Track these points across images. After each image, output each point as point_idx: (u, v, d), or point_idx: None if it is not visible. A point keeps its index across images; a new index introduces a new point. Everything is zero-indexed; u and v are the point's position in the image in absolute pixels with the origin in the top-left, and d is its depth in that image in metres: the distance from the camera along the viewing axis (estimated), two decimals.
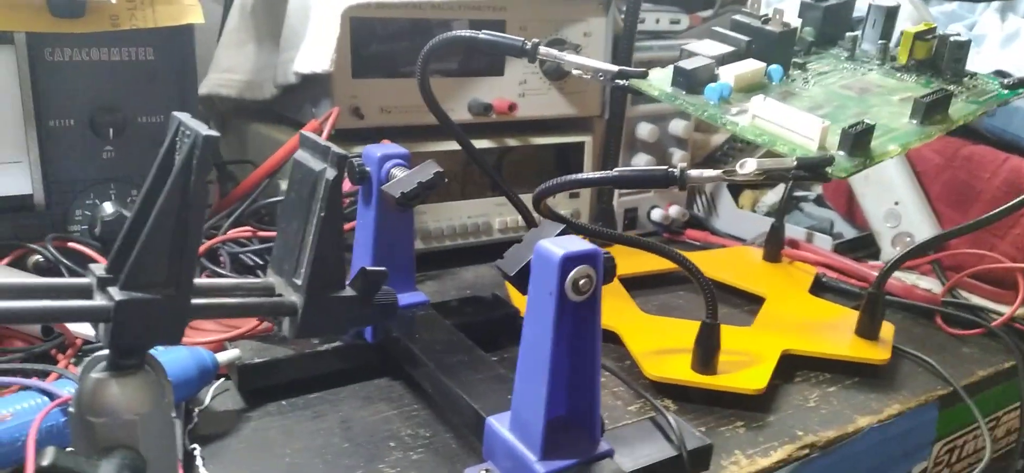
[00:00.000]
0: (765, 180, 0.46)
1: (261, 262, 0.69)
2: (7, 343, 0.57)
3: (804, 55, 0.60)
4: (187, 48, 0.69)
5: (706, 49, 0.56)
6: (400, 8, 0.74)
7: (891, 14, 0.60)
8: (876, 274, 0.67)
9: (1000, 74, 0.60)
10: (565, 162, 0.86)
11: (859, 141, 0.48)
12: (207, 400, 0.55)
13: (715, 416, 0.58)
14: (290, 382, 0.57)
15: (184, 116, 0.37)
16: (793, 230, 0.90)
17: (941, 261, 0.82)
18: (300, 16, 0.75)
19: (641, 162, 0.90)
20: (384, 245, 0.59)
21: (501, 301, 0.69)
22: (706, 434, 0.53)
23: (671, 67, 0.55)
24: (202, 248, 0.67)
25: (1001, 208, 0.59)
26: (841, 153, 0.48)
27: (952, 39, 0.58)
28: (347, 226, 0.64)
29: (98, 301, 0.36)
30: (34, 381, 0.47)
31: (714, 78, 0.54)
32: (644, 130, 0.90)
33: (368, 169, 0.58)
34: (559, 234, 0.44)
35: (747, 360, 0.61)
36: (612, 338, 0.64)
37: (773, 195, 0.95)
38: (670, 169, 0.48)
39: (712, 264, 0.78)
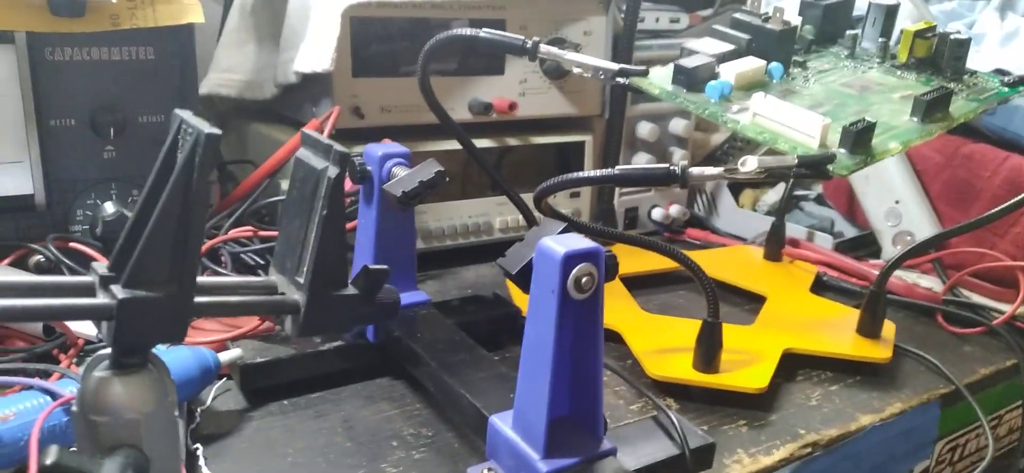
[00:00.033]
0: (766, 178, 0.46)
1: (262, 262, 0.69)
2: (9, 343, 0.57)
3: (804, 53, 0.61)
4: (187, 47, 0.69)
5: (706, 47, 0.56)
6: (400, 7, 0.74)
7: (891, 12, 0.60)
8: (877, 273, 0.67)
9: (1000, 72, 0.60)
10: (565, 161, 0.86)
11: (860, 139, 0.48)
12: (209, 400, 0.55)
13: (717, 415, 0.58)
14: (292, 382, 0.57)
15: (186, 114, 0.37)
16: (794, 229, 0.90)
17: (942, 260, 0.82)
18: (300, 16, 0.75)
19: (641, 161, 0.90)
20: (385, 244, 0.59)
21: (502, 300, 0.69)
22: (708, 433, 0.53)
23: (671, 65, 0.55)
24: (203, 248, 0.67)
25: (1002, 206, 0.59)
26: (842, 151, 0.48)
27: (952, 37, 0.58)
28: (348, 226, 0.64)
29: (101, 299, 0.36)
30: (36, 381, 0.47)
31: (715, 76, 0.54)
32: (644, 129, 0.90)
33: (369, 168, 0.58)
34: (561, 232, 0.44)
35: (749, 359, 0.61)
36: (614, 337, 0.64)
37: (774, 194, 0.95)
38: (672, 167, 0.48)
39: (713, 263, 0.78)
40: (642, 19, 0.87)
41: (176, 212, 0.36)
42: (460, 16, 0.77)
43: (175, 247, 0.36)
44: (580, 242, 0.42)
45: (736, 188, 0.97)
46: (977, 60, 0.66)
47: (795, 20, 0.59)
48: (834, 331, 0.68)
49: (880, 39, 0.60)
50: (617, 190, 0.90)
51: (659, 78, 0.55)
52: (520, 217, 0.79)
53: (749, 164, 0.46)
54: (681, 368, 0.60)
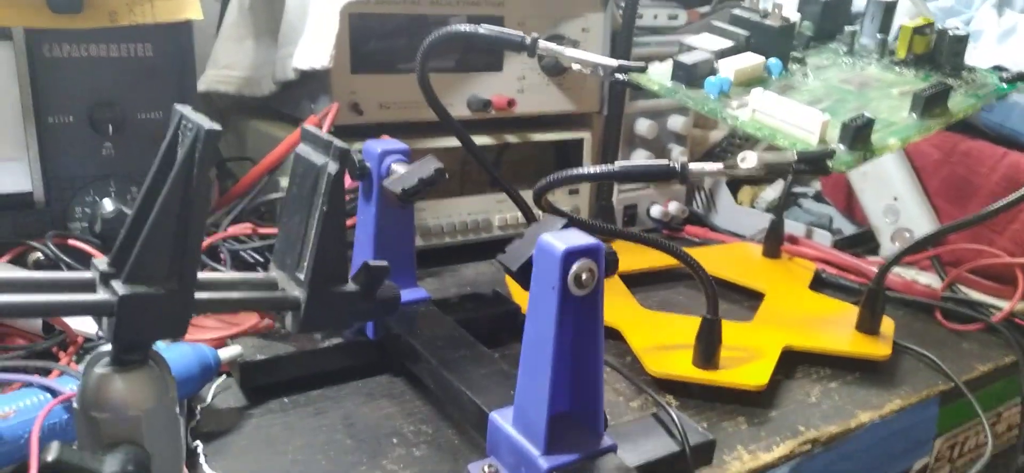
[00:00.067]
0: (766, 174, 0.46)
1: (261, 259, 0.69)
2: (8, 341, 0.57)
3: (803, 49, 0.61)
4: (186, 44, 0.68)
5: (705, 43, 0.56)
6: (399, 4, 0.74)
7: (889, 9, 0.61)
8: (875, 270, 0.67)
9: (999, 69, 0.60)
10: (564, 158, 0.86)
11: (859, 134, 0.48)
12: (209, 397, 0.54)
13: (717, 411, 0.58)
14: (292, 379, 0.57)
15: (186, 109, 0.37)
16: (792, 226, 0.90)
17: (940, 256, 0.82)
18: (298, 12, 0.75)
19: (640, 158, 0.90)
20: (385, 241, 0.59)
21: (502, 297, 0.69)
22: (708, 429, 0.53)
23: (670, 61, 0.55)
24: (202, 245, 0.67)
25: (1000, 203, 0.59)
26: (841, 146, 0.48)
27: (951, 33, 0.59)
28: (347, 222, 0.64)
29: (102, 295, 0.36)
30: (36, 378, 0.47)
31: (714, 72, 0.54)
32: (643, 126, 0.90)
33: (368, 165, 0.58)
34: (561, 228, 0.44)
35: (748, 356, 0.61)
36: (613, 335, 0.64)
37: (772, 191, 0.96)
38: (672, 163, 0.48)
39: (712, 260, 0.78)
40: (640, 16, 0.87)
41: (176, 208, 0.36)
42: (459, 12, 0.77)
43: (176, 243, 0.36)
44: (580, 238, 0.42)
45: (735, 185, 0.97)
46: (974, 56, 0.66)
47: (794, 16, 0.59)
48: (833, 328, 0.68)
49: (879, 35, 0.61)
50: (616, 187, 0.90)
51: (658, 74, 0.55)
52: (519, 214, 0.78)
53: (749, 160, 0.46)
54: (681, 365, 0.60)
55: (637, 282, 0.77)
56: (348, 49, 0.73)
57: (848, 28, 0.62)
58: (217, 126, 0.35)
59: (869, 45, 0.61)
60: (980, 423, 0.64)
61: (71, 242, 0.64)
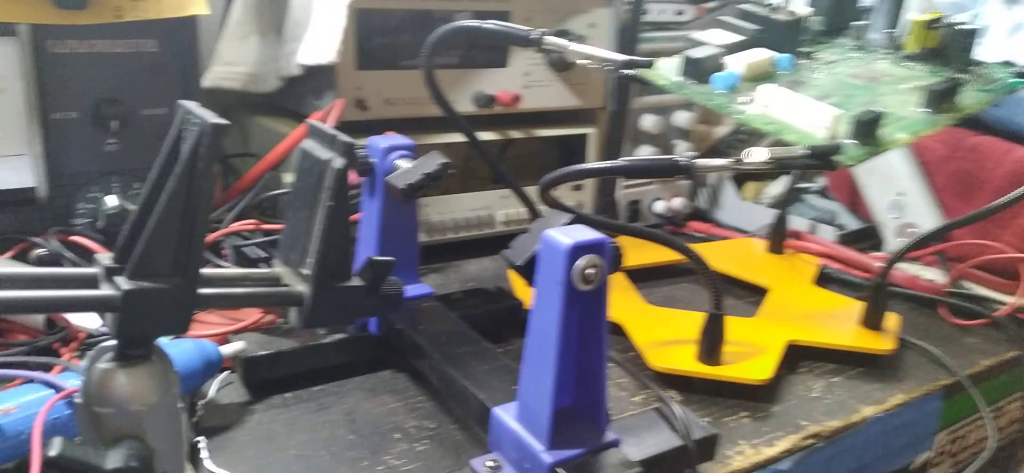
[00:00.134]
0: (774, 169, 0.46)
1: (265, 255, 0.69)
2: (10, 336, 0.57)
3: (811, 44, 0.60)
4: (191, 40, 0.68)
5: (714, 38, 0.56)
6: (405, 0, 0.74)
7: (898, 2, 0.60)
8: (880, 265, 0.67)
9: (1008, 64, 0.59)
10: (568, 154, 0.86)
11: (869, 129, 0.47)
12: (212, 393, 0.54)
13: (719, 406, 0.58)
14: (294, 374, 0.57)
15: (191, 105, 0.37)
16: (796, 221, 0.90)
17: (945, 252, 0.82)
18: (304, 7, 0.75)
19: (645, 154, 0.90)
20: (389, 237, 0.59)
21: (505, 293, 0.69)
22: (710, 424, 0.53)
23: (678, 57, 0.54)
24: (206, 240, 0.67)
25: (1004, 198, 0.59)
26: (851, 141, 0.47)
27: (961, 27, 0.58)
28: (351, 218, 0.64)
29: (106, 291, 0.36)
30: (38, 374, 0.47)
31: (722, 67, 0.54)
32: (648, 122, 0.89)
33: (373, 160, 0.58)
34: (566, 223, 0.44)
35: (752, 351, 0.61)
36: (616, 330, 0.64)
37: (776, 186, 0.95)
38: (678, 158, 0.48)
39: (715, 256, 0.78)
40: (646, 11, 0.87)
41: (181, 203, 0.36)
42: (464, 8, 0.77)
43: (180, 238, 0.36)
44: (586, 233, 0.42)
45: (739, 180, 0.97)
46: (982, 51, 0.65)
47: (802, 10, 0.59)
48: (837, 323, 0.68)
49: (888, 30, 0.60)
50: (620, 182, 0.90)
51: (666, 70, 0.55)
52: (523, 210, 0.78)
53: (756, 155, 0.45)
54: (684, 360, 0.60)
55: (641, 277, 0.77)
56: (354, 44, 0.72)
57: (857, 23, 0.61)
58: (223, 121, 0.35)
59: (878, 39, 0.61)
60: (982, 418, 0.64)
61: (74, 238, 0.64)
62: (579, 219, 0.45)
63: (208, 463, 0.47)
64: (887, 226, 0.87)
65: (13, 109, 0.63)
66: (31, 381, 0.46)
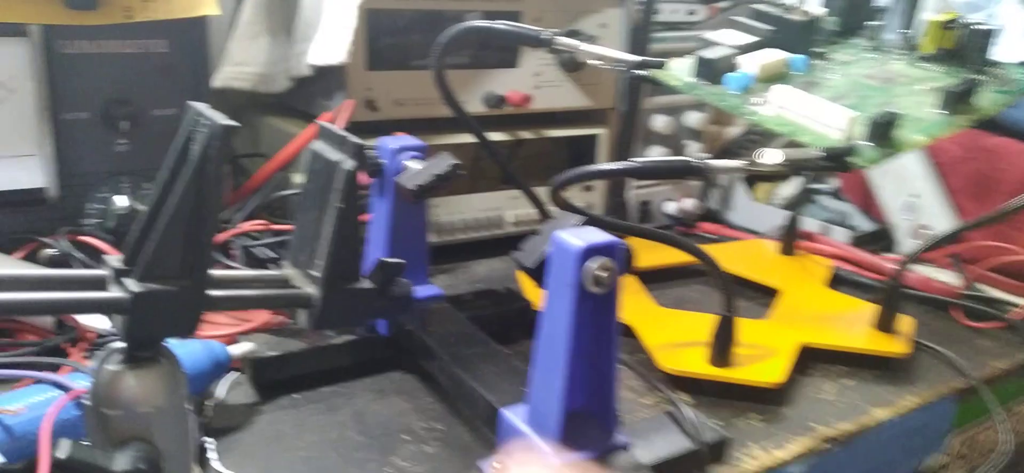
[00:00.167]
0: (789, 171, 0.45)
1: (274, 255, 0.69)
2: (20, 336, 0.57)
3: (825, 44, 0.60)
4: (201, 40, 0.68)
5: (727, 39, 0.56)
6: (415, 0, 0.74)
7: (914, 3, 0.60)
8: (893, 267, 0.67)
9: None
10: (578, 154, 0.85)
11: (885, 131, 0.47)
12: (220, 393, 0.54)
13: (730, 408, 0.57)
14: (303, 375, 0.57)
15: (201, 106, 0.37)
16: (809, 223, 0.89)
17: (960, 254, 0.81)
18: (314, 8, 0.75)
19: (656, 154, 0.90)
20: (398, 238, 0.59)
21: (515, 294, 0.68)
22: (721, 427, 0.52)
23: (691, 57, 0.54)
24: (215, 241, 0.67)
25: (1020, 199, 0.59)
26: (867, 143, 0.47)
27: (978, 27, 0.58)
28: (360, 218, 0.64)
29: (114, 293, 0.36)
30: (47, 374, 0.47)
31: (735, 68, 0.53)
32: (659, 122, 0.89)
33: (383, 161, 0.57)
34: (577, 225, 0.44)
35: (763, 353, 0.61)
36: (626, 331, 0.64)
37: (788, 187, 0.95)
38: (692, 160, 0.48)
39: (727, 257, 0.77)
40: (658, 11, 0.86)
41: (190, 206, 0.35)
42: (475, 8, 0.77)
43: (189, 240, 0.36)
44: (598, 236, 0.42)
45: (750, 181, 0.96)
46: (996, 52, 0.65)
47: (817, 10, 0.58)
48: (850, 325, 0.67)
49: (903, 30, 0.60)
50: (630, 183, 0.89)
51: (678, 70, 0.54)
52: (532, 211, 0.78)
53: (770, 157, 0.45)
54: (695, 362, 0.59)
55: (651, 279, 0.76)
56: (364, 45, 0.72)
57: (871, 23, 0.61)
58: (233, 123, 0.35)
59: (893, 40, 0.60)
60: (996, 420, 0.63)
61: (84, 238, 0.64)
62: (590, 220, 0.45)
63: (216, 464, 0.47)
64: (900, 228, 0.86)
65: (24, 109, 0.63)
66: (40, 381, 0.46)
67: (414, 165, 0.56)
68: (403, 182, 0.55)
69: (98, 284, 0.37)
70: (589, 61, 0.57)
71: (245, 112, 0.88)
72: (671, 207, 0.93)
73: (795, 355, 0.61)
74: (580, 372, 0.43)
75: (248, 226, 0.71)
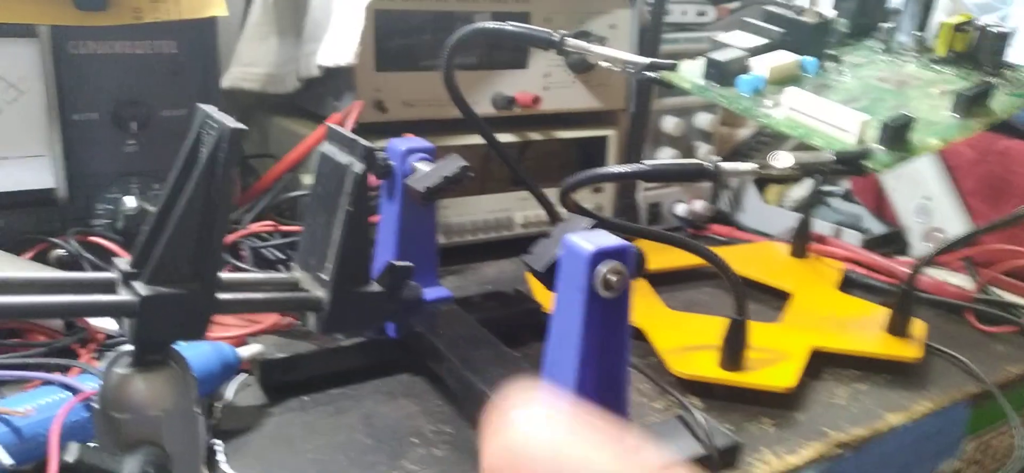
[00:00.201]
0: (801, 174, 0.45)
1: (283, 256, 0.69)
2: (29, 337, 0.57)
3: (837, 46, 0.59)
4: (210, 41, 0.68)
5: (737, 40, 0.55)
6: (425, 0, 0.73)
7: (927, 5, 0.59)
8: (906, 271, 0.66)
9: None
10: (587, 156, 0.85)
11: (899, 134, 0.46)
12: (229, 395, 0.54)
13: (741, 413, 0.57)
14: (312, 377, 0.57)
15: (210, 108, 0.36)
16: (820, 225, 0.88)
17: (973, 257, 0.80)
18: (323, 8, 0.75)
19: (666, 156, 0.89)
20: (407, 240, 0.58)
21: (524, 296, 0.68)
22: (733, 432, 0.52)
23: (702, 59, 0.54)
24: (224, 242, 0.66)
25: None
26: (880, 146, 0.46)
27: (992, 30, 0.57)
28: (369, 219, 0.64)
29: (123, 296, 0.36)
30: (56, 376, 0.47)
31: (746, 70, 0.53)
32: (669, 124, 0.89)
33: (392, 163, 0.57)
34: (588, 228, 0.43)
35: (775, 357, 0.60)
36: (637, 335, 0.63)
37: (800, 190, 0.94)
38: (705, 162, 0.47)
39: (738, 260, 0.77)
40: (668, 12, 0.86)
41: (199, 208, 0.35)
42: (484, 9, 0.76)
43: (198, 243, 0.36)
44: (609, 239, 0.41)
45: (761, 183, 0.95)
46: (1010, 54, 0.64)
47: (829, 12, 0.58)
48: (862, 329, 0.67)
49: (916, 32, 0.59)
50: (640, 185, 0.89)
51: (689, 72, 0.54)
52: (541, 213, 0.78)
53: (783, 160, 0.45)
54: (706, 366, 0.59)
55: (662, 281, 0.76)
56: (373, 46, 0.72)
57: (884, 25, 0.60)
58: (242, 126, 0.35)
59: (906, 42, 0.60)
60: (1011, 425, 0.63)
61: (93, 239, 0.64)
62: (600, 223, 0.44)
63: (224, 466, 0.47)
64: (913, 231, 0.86)
65: (33, 110, 0.63)
66: (49, 383, 0.46)
67: (423, 167, 0.56)
68: (412, 184, 0.55)
69: (107, 287, 0.37)
70: (599, 63, 0.56)
71: (254, 112, 0.88)
72: (681, 209, 0.92)
73: (807, 359, 0.61)
74: (590, 376, 0.43)
75: (257, 227, 0.71)
